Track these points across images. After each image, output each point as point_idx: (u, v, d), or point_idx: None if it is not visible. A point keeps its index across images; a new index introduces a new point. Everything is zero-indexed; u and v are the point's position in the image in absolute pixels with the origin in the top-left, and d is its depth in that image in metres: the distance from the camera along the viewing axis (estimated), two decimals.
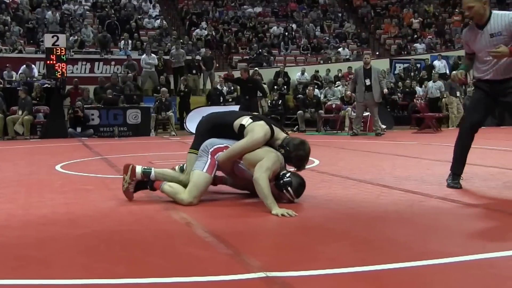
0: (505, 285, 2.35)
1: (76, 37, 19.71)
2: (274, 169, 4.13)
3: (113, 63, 18.80)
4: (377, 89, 12.87)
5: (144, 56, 17.94)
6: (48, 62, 14.22)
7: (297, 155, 4.30)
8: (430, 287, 2.35)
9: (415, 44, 23.98)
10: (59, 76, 14.27)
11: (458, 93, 16.75)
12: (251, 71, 19.28)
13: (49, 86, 15.38)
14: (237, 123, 4.43)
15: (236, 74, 19.45)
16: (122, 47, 19.62)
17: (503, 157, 7.97)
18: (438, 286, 2.37)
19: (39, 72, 17.60)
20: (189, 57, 18.61)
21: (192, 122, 15.54)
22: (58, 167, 7.08)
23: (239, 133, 4.37)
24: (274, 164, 4.12)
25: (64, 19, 21.04)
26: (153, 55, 17.98)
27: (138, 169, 4.42)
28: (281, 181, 4.16)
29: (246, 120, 4.41)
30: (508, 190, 4.76)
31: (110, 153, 9.36)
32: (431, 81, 17.68)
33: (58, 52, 14.11)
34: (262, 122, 4.39)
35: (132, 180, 4.40)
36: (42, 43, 17.38)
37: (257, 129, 4.29)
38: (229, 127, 4.46)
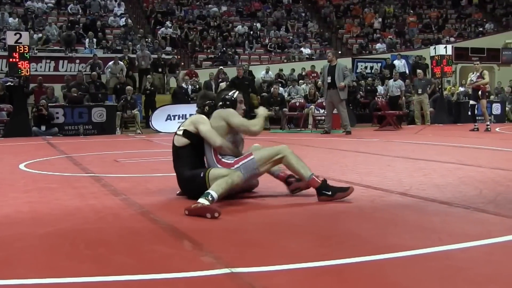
0: (459, 275, 2.43)
1: (40, 35, 19.37)
2: (218, 126, 4.39)
3: (77, 61, 18.54)
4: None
5: (111, 63, 17.70)
6: (10, 60, 13.97)
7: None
8: (390, 279, 2.42)
9: (376, 45, 24.34)
10: (23, 74, 14.03)
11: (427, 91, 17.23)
12: (215, 70, 19.34)
13: (12, 84, 15.10)
14: (177, 138, 4.52)
15: (200, 72, 19.49)
16: (87, 46, 19.36)
17: (459, 153, 8.20)
18: (398, 278, 2.43)
19: (1, 70, 17.28)
20: (154, 56, 18.50)
21: (157, 120, 15.48)
22: (21, 166, 6.98)
23: (189, 137, 4.46)
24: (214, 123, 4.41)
25: (28, 16, 20.65)
26: (121, 63, 17.73)
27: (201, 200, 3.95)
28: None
29: (180, 128, 4.55)
30: (464, 185, 4.90)
31: (75, 151, 9.26)
32: (392, 80, 18.04)
33: (21, 50, 13.87)
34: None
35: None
36: (4, 41, 17.03)
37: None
38: (179, 151, 4.50)
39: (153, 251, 2.91)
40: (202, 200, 3.85)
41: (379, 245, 2.97)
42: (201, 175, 4.23)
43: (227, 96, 4.58)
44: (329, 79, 12.79)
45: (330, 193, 4.21)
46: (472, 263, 2.64)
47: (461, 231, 3.26)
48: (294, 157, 4.32)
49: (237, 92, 4.66)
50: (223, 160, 4.38)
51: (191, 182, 4.32)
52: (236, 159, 4.37)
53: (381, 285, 2.35)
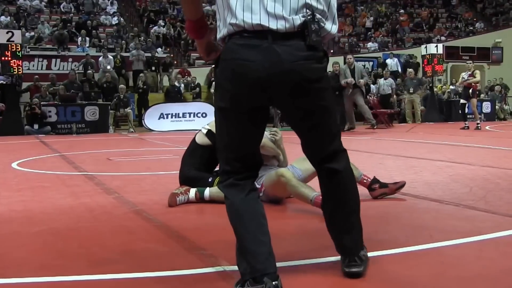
0: (450, 271, 2.46)
1: (32, 33, 19.29)
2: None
3: (70, 60, 18.47)
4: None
5: (101, 58, 17.72)
6: (3, 58, 13.90)
7: None
8: (382, 276, 2.44)
9: (368, 44, 24.40)
10: (15, 72, 13.97)
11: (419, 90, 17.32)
12: (208, 69, 19.34)
13: (4, 82, 15.02)
14: (199, 135, 4.37)
15: (193, 71, 19.45)
16: (79, 44, 19.31)
17: (450, 151, 8.24)
18: (390, 275, 2.46)
19: None
20: (148, 54, 18.47)
21: (150, 119, 15.47)
22: (14, 165, 6.97)
23: (212, 138, 4.23)
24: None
25: (20, 15, 20.56)
26: (109, 56, 17.74)
27: (193, 190, 4.19)
28: None
29: (206, 125, 4.40)
30: (455, 183, 4.93)
31: (68, 150, 9.25)
32: (383, 79, 18.12)
33: (13, 48, 13.81)
34: None
35: (185, 192, 4.16)
36: None
37: None
38: (196, 149, 4.37)
39: (146, 250, 2.92)
40: (193, 190, 4.12)
41: (371, 242, 2.98)
42: (209, 180, 4.20)
43: None
44: (352, 80, 13.51)
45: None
46: (462, 259, 2.67)
47: (452, 228, 3.28)
48: (292, 184, 3.81)
49: None
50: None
51: (194, 183, 4.26)
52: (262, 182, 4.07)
53: (373, 281, 2.37)
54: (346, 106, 13.83)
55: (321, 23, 2.11)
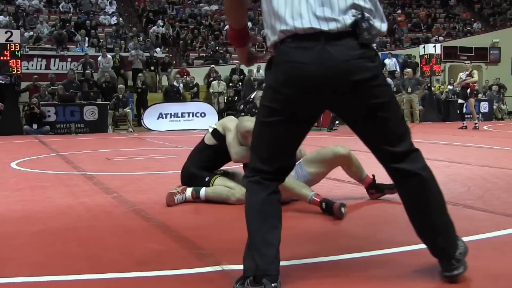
0: None
1: (31, 33, 19.26)
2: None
3: (69, 59, 18.45)
4: None
5: (100, 58, 17.71)
6: (1, 58, 13.87)
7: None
8: (381, 275, 2.45)
9: None
10: (14, 72, 13.96)
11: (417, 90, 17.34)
12: (207, 69, 19.34)
13: (3, 82, 15.00)
14: (207, 134, 4.35)
15: (192, 71, 19.43)
16: (79, 44, 19.29)
17: (448, 150, 8.25)
18: (389, 274, 2.47)
19: None
20: (147, 54, 18.47)
21: (149, 119, 15.47)
22: (13, 164, 6.97)
23: (218, 138, 4.25)
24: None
25: (19, 14, 20.54)
26: (108, 56, 17.73)
27: (189, 189, 4.21)
28: None
29: (213, 124, 4.40)
30: (453, 182, 4.93)
31: (67, 149, 9.25)
32: None
33: (12, 48, 13.79)
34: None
35: (182, 192, 4.17)
36: None
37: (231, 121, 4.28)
38: (203, 148, 4.36)
39: (145, 249, 2.92)
40: (189, 189, 4.13)
41: (370, 241, 3.01)
42: (206, 179, 4.20)
43: (248, 99, 4.39)
44: None
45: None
46: None
47: None
48: (289, 184, 3.74)
49: (256, 91, 4.43)
50: None
51: (192, 180, 4.26)
52: None
53: (371, 281, 2.37)
54: None
55: (371, 21, 2.11)
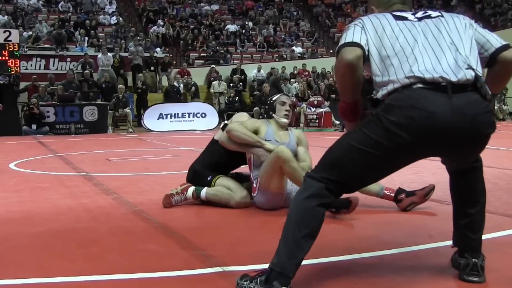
0: (449, 271, 2.46)
1: (30, 33, 19.23)
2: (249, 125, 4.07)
3: (69, 59, 18.40)
4: None
5: (100, 55, 17.69)
6: (0, 58, 13.86)
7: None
8: (383, 276, 2.44)
9: None
10: (13, 72, 13.93)
11: None
12: (207, 69, 19.30)
13: (1, 82, 15.00)
14: (219, 131, 4.31)
15: (192, 71, 19.42)
16: (78, 44, 19.27)
17: None
18: (391, 275, 2.46)
19: None
20: (147, 54, 18.45)
21: (149, 119, 15.45)
22: (12, 165, 6.95)
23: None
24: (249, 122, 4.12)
25: (17, 14, 20.51)
26: (109, 54, 17.71)
27: (191, 188, 4.16)
28: None
29: (226, 121, 4.36)
30: None
31: (66, 150, 9.24)
32: None
33: (10, 48, 13.78)
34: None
35: (182, 192, 4.14)
36: None
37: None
38: (213, 144, 4.33)
39: (145, 250, 2.91)
40: (191, 189, 4.09)
41: (372, 243, 3.00)
42: (208, 178, 4.15)
43: (268, 101, 4.29)
44: None
45: (334, 210, 3.70)
46: None
47: (451, 228, 3.27)
48: (290, 166, 3.65)
49: (279, 95, 4.34)
50: (253, 178, 4.01)
51: (195, 178, 4.23)
52: (255, 181, 3.96)
53: (373, 282, 2.37)
54: None
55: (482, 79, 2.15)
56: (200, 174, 4.21)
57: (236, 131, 3.93)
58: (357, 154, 2.16)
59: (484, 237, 3.01)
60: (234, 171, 4.38)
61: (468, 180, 2.38)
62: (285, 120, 4.14)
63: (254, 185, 3.96)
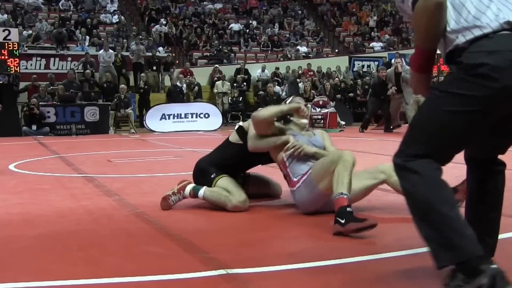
0: None
1: (30, 32, 19.20)
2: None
3: (69, 59, 18.37)
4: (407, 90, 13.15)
5: (101, 51, 17.64)
6: None
7: None
8: (388, 278, 2.42)
9: (372, 43, 24.31)
10: (12, 72, 13.90)
11: None
12: (211, 68, 19.25)
13: (1, 82, 14.97)
14: (232, 134, 4.24)
15: (195, 70, 19.42)
16: (79, 43, 19.24)
17: None
18: (396, 277, 2.44)
19: None
20: (149, 53, 18.41)
21: (151, 120, 15.42)
22: (11, 167, 6.93)
23: (242, 136, 4.13)
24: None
25: (17, 12, 20.48)
26: (110, 50, 17.67)
27: (189, 187, 4.09)
28: None
29: (240, 122, 4.30)
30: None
31: (67, 151, 9.22)
32: None
33: (10, 47, 13.73)
34: None
35: (178, 192, 4.07)
36: None
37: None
38: (226, 145, 4.26)
39: (147, 253, 2.88)
40: (188, 188, 4.04)
41: (377, 244, 2.98)
42: (212, 176, 4.07)
43: (286, 101, 4.23)
44: (394, 89, 13.20)
45: (343, 221, 3.21)
46: None
47: None
48: (343, 168, 3.43)
49: (292, 97, 4.27)
50: (289, 173, 3.85)
51: (199, 175, 4.17)
52: (300, 175, 3.77)
53: (378, 284, 2.34)
54: (393, 107, 13.77)
55: None
56: (204, 171, 4.15)
57: (262, 113, 3.84)
58: (453, 118, 2.05)
59: None
60: (248, 170, 4.36)
61: (498, 184, 2.40)
62: (305, 121, 4.08)
63: (295, 179, 3.79)
